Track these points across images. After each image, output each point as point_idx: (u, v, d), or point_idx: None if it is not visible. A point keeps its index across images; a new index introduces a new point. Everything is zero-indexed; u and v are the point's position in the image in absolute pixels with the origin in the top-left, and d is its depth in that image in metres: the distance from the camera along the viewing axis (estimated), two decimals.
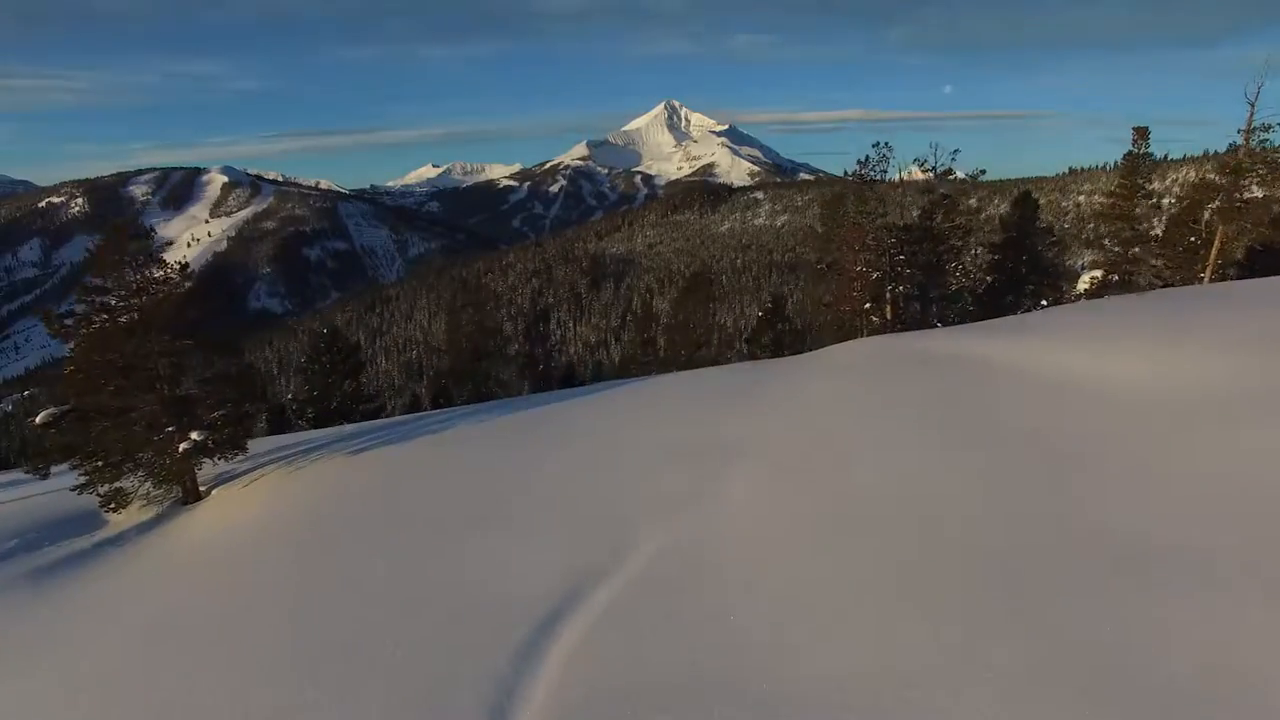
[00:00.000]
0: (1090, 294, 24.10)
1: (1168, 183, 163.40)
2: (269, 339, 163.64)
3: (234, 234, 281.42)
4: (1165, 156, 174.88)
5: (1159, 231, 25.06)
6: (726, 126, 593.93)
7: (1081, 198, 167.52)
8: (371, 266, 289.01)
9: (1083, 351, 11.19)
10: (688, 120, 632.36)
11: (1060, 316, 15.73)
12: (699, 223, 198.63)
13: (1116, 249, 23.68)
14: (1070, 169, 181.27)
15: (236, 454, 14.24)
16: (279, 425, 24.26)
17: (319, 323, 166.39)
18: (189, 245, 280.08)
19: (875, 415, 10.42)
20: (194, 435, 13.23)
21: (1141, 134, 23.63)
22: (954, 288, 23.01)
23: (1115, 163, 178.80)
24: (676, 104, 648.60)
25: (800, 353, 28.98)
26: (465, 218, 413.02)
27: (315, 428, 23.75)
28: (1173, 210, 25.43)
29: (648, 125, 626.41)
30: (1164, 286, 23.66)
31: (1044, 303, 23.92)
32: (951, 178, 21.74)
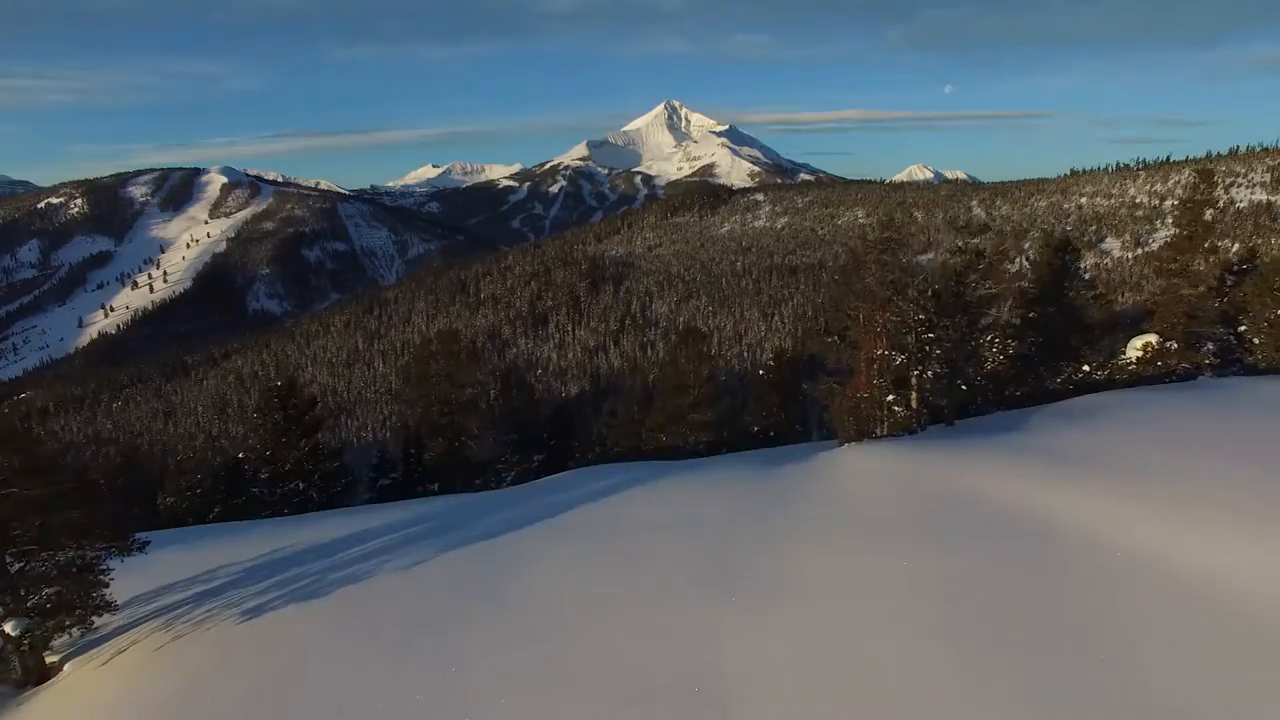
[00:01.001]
0: (1143, 362, 20.72)
1: (1170, 184, 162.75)
2: (266, 341, 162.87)
3: (233, 235, 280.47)
4: (1168, 158, 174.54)
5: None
6: (726, 127, 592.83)
7: (1084, 199, 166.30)
8: (371, 268, 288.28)
9: (1239, 538, 7.95)
10: (688, 120, 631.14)
11: (1155, 430, 12.28)
12: (699, 225, 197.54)
13: (1175, 310, 20.14)
14: (1072, 170, 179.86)
15: (96, 619, 11.23)
16: (235, 482, 22.69)
17: (318, 324, 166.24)
18: (188, 246, 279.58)
19: (921, 638, 7.49)
20: (8, 628, 10.31)
21: (1206, 177, 20.68)
22: (989, 365, 20.19)
23: (1117, 164, 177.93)
24: (676, 104, 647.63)
25: (808, 428, 25.22)
26: (465, 218, 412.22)
27: (270, 488, 22.04)
28: (1233, 259, 21.89)
29: (648, 125, 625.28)
30: (1236, 364, 20.80)
31: (1086, 369, 21.14)
32: (988, 233, 19.20)
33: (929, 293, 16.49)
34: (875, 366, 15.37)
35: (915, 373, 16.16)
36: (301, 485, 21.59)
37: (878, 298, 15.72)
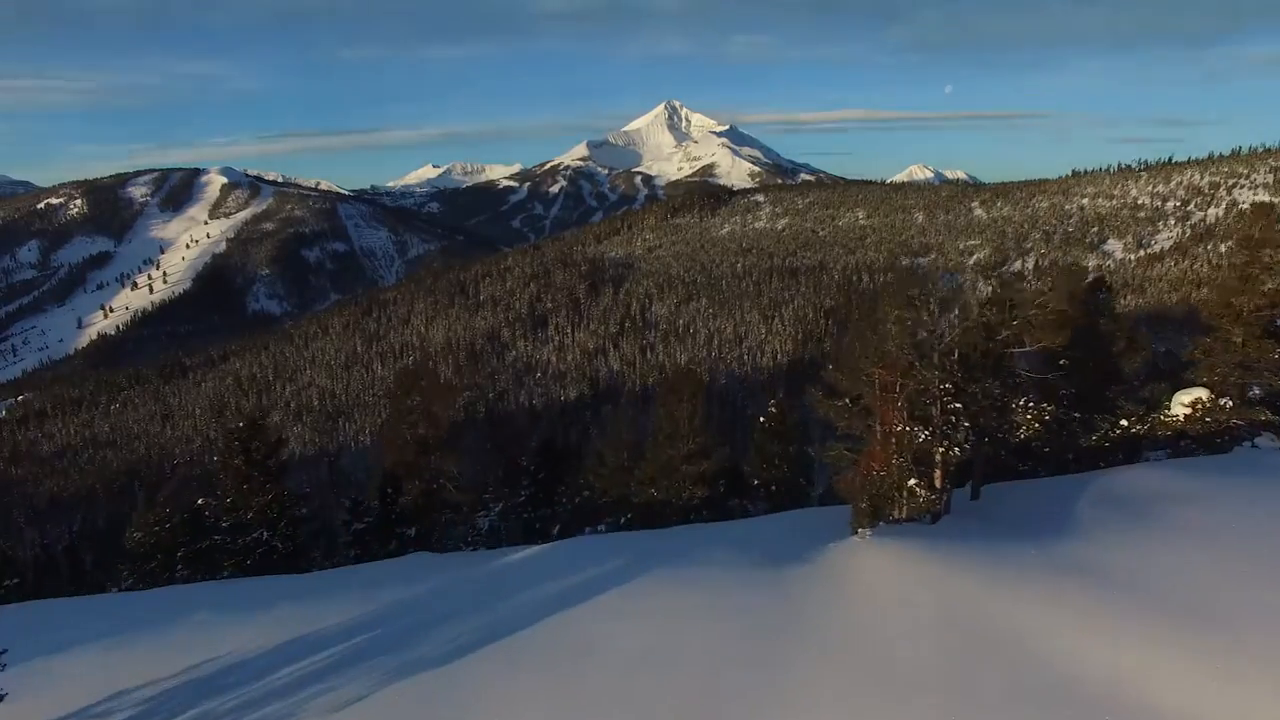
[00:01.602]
0: (1192, 420, 18.78)
1: (1172, 185, 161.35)
2: (265, 343, 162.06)
3: (233, 235, 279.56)
4: (1170, 159, 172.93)
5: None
6: (727, 127, 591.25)
7: (1085, 200, 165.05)
8: (371, 268, 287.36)
9: None
10: (688, 120, 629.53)
11: (1239, 545, 10.22)
12: (699, 226, 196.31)
13: (1226, 360, 18.10)
14: (1073, 171, 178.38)
15: None
16: (197, 526, 21.27)
17: (316, 325, 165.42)
18: (188, 247, 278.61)
19: None
20: None
21: (1262, 212, 18.47)
22: (1022, 433, 18.30)
23: (1119, 164, 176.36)
24: (677, 104, 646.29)
25: (811, 481, 23.29)
26: (465, 219, 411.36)
27: (232, 537, 20.73)
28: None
29: (648, 125, 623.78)
30: None
31: (1124, 423, 19.27)
32: (1019, 286, 16.69)
33: (954, 354, 14.79)
34: (892, 440, 13.77)
35: (940, 449, 14.45)
36: (266, 535, 20.29)
37: (897, 363, 14.03)
